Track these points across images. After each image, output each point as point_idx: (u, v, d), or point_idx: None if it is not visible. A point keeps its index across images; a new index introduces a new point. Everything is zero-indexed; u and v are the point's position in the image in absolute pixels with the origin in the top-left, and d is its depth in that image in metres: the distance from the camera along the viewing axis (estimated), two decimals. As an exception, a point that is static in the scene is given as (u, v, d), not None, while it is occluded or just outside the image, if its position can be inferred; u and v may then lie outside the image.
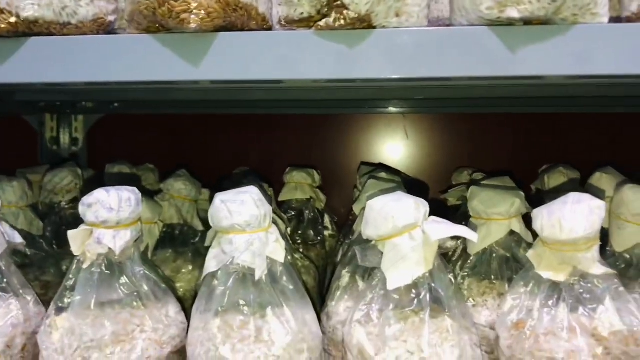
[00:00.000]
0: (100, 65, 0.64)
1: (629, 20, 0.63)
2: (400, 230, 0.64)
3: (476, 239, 0.63)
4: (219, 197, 0.67)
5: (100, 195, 0.67)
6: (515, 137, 1.38)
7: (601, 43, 0.59)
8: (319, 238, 1.20)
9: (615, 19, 0.67)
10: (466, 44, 0.60)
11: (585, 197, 0.63)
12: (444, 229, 0.63)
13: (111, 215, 0.67)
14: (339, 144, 1.43)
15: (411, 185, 0.90)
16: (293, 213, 1.20)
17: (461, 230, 0.63)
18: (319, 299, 1.02)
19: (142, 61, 0.63)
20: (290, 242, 1.02)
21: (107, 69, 0.64)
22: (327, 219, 1.26)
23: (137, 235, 0.71)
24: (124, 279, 0.70)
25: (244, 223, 0.65)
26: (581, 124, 1.34)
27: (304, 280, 0.99)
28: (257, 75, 0.62)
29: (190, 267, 1.00)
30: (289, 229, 1.12)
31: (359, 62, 0.61)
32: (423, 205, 0.65)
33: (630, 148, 1.32)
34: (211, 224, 0.68)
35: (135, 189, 0.71)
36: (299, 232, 1.18)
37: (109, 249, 0.68)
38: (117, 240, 0.68)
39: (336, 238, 1.24)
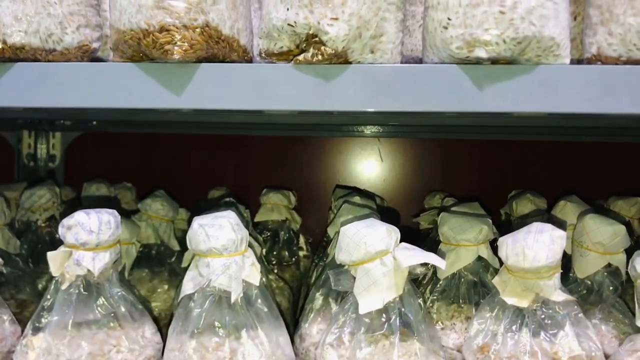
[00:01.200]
0: (84, 91, 0.66)
1: (589, 61, 0.67)
2: (372, 256, 0.66)
3: (444, 267, 0.65)
4: (197, 220, 0.69)
5: (80, 217, 0.69)
6: (486, 163, 1.42)
7: (563, 82, 0.63)
8: (293, 259, 1.22)
9: (577, 61, 0.72)
10: (437, 81, 0.63)
11: (548, 227, 0.67)
12: (414, 256, 0.66)
13: (91, 238, 0.68)
14: (315, 166, 1.46)
15: (383, 210, 0.93)
16: (269, 234, 1.22)
17: (430, 258, 0.66)
18: (293, 320, 1.03)
19: (125, 89, 0.65)
20: (265, 263, 1.04)
21: (91, 95, 0.66)
22: (302, 240, 1.28)
23: (116, 257, 0.72)
24: (101, 300, 0.72)
25: (221, 247, 0.67)
26: (548, 151, 1.39)
27: (277, 301, 1.01)
28: (238, 105, 0.65)
29: (166, 287, 1.01)
30: (264, 250, 1.14)
31: (336, 95, 0.64)
32: (394, 232, 0.68)
33: (595, 174, 1.37)
34: (189, 247, 0.70)
35: (114, 211, 0.72)
36: (274, 252, 1.20)
37: (88, 270, 0.69)
38: (96, 262, 0.69)
39: (310, 259, 1.26)
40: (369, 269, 0.67)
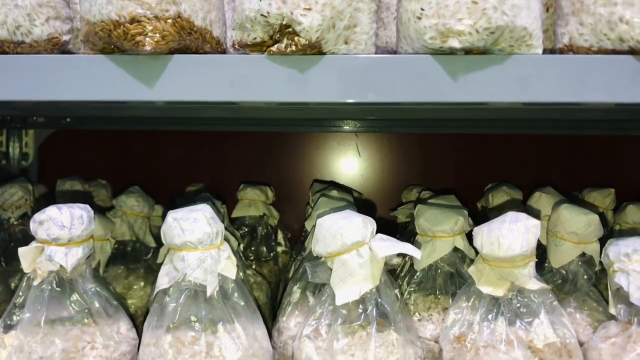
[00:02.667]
0: (54, 84, 0.65)
1: (561, 51, 0.68)
2: (349, 247, 0.66)
3: (420, 256, 0.66)
4: (172, 214, 0.68)
5: (52, 212, 0.68)
6: (462, 157, 1.43)
7: (536, 72, 0.63)
8: (271, 254, 1.21)
9: (550, 51, 0.72)
10: (411, 71, 0.63)
11: (522, 217, 0.67)
12: (390, 246, 0.66)
13: (63, 233, 0.67)
14: (292, 162, 1.45)
15: (360, 203, 0.93)
16: (246, 229, 1.21)
17: (406, 248, 0.66)
18: (271, 315, 1.03)
19: (96, 81, 0.64)
20: (243, 258, 1.04)
21: (61, 88, 0.65)
22: (280, 235, 1.28)
23: (89, 253, 0.71)
24: (74, 296, 0.71)
25: (196, 240, 0.67)
26: (524, 145, 1.40)
27: (255, 296, 1.01)
28: (211, 97, 0.64)
29: (142, 284, 1.00)
30: (241, 246, 1.13)
31: (310, 86, 0.63)
32: (370, 224, 0.68)
33: (570, 167, 1.38)
34: (163, 241, 0.69)
35: (87, 206, 0.71)
36: (252, 248, 1.20)
37: (60, 266, 0.68)
38: (69, 258, 0.68)
39: (289, 254, 1.26)
40: (345, 260, 0.67)
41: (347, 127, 1.40)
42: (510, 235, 0.65)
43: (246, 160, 1.44)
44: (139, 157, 1.44)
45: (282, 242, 1.28)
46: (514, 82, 0.63)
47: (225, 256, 0.70)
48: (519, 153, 1.41)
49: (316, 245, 0.69)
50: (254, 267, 1.13)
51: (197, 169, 1.44)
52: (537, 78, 0.63)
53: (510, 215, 0.67)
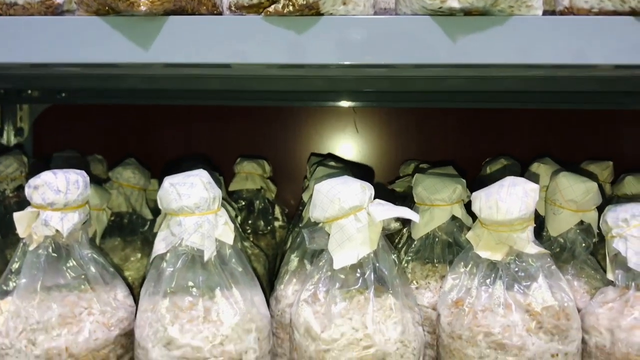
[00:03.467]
0: (48, 46, 0.64)
1: (562, 13, 0.67)
2: (347, 211, 0.66)
3: (417, 219, 0.65)
4: (168, 179, 0.68)
5: (47, 177, 0.67)
6: (461, 132, 1.42)
7: (536, 33, 0.62)
8: (269, 228, 1.21)
9: (550, 13, 0.71)
10: (410, 33, 0.62)
11: (521, 181, 0.67)
12: (387, 210, 0.66)
13: (58, 197, 0.67)
14: (290, 137, 1.45)
15: (358, 170, 0.92)
16: (243, 203, 1.21)
17: (404, 212, 0.65)
18: (269, 287, 1.03)
19: (91, 43, 0.63)
20: (240, 230, 1.03)
21: (55, 50, 0.64)
22: (277, 210, 1.27)
23: (85, 218, 0.70)
24: (71, 262, 0.70)
25: (193, 205, 0.66)
26: (523, 119, 1.39)
27: (253, 267, 1.01)
28: (206, 58, 0.63)
29: (139, 255, 1.00)
30: (239, 219, 1.13)
31: (307, 48, 0.62)
32: (368, 188, 0.67)
33: (570, 142, 1.38)
34: (160, 207, 0.68)
35: (83, 172, 0.70)
36: (250, 221, 1.20)
37: (56, 231, 0.67)
38: (65, 223, 0.67)
39: (286, 229, 1.26)
40: (343, 225, 0.66)
41: (345, 103, 1.39)
42: (509, 198, 0.65)
43: (243, 136, 1.43)
44: (135, 132, 1.44)
45: (280, 217, 1.28)
46: (514, 44, 0.62)
47: (223, 221, 0.69)
48: (517, 128, 1.40)
49: (314, 211, 0.68)
50: (251, 239, 1.13)
51: (194, 143, 1.43)
52: (538, 39, 0.62)
53: (509, 180, 0.67)
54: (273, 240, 1.21)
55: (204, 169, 0.71)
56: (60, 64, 0.66)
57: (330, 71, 0.86)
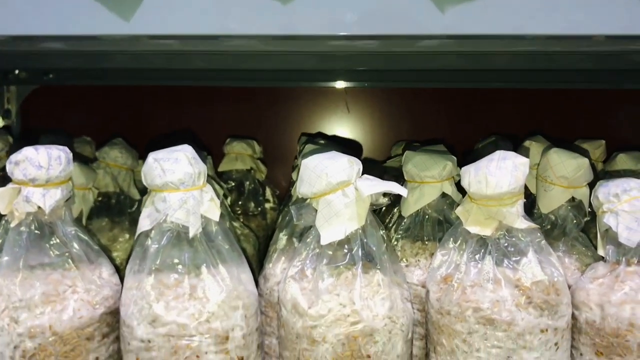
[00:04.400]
0: (29, 18, 0.62)
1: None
2: (334, 187, 0.65)
3: (405, 194, 0.64)
4: (152, 155, 0.67)
5: (28, 152, 0.65)
6: (452, 112, 1.41)
7: (528, 4, 0.61)
8: (259, 209, 1.20)
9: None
10: (400, 3, 0.61)
11: (510, 155, 0.66)
12: (375, 185, 0.65)
13: (40, 173, 0.65)
14: (281, 118, 1.43)
15: (346, 146, 0.91)
16: (233, 184, 1.19)
17: (392, 186, 0.64)
18: (259, 268, 1.02)
19: (71, 15, 0.62)
20: (229, 209, 1.02)
21: (36, 22, 0.62)
22: (268, 191, 1.26)
23: (68, 195, 0.69)
24: (54, 240, 0.69)
25: (178, 181, 0.65)
26: (515, 99, 1.38)
27: (243, 247, 1.00)
28: (192, 30, 0.61)
29: (127, 236, 0.99)
30: (229, 199, 1.12)
31: (296, 17, 0.61)
32: (356, 163, 0.66)
33: (562, 122, 1.37)
34: (144, 183, 0.67)
35: (65, 147, 0.69)
36: (240, 202, 1.18)
37: (38, 207, 0.66)
38: (47, 199, 0.66)
39: (277, 210, 1.25)
40: (330, 201, 0.65)
41: (336, 83, 1.38)
42: (499, 172, 0.64)
43: (233, 116, 1.41)
44: (124, 113, 1.42)
45: (270, 199, 1.27)
46: (505, 15, 0.61)
47: (208, 198, 0.68)
48: (510, 108, 1.39)
49: (301, 186, 0.67)
50: (241, 220, 1.12)
51: (183, 125, 1.42)
52: (529, 10, 0.61)
53: (499, 154, 0.66)
54: (264, 222, 1.20)
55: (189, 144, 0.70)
56: (41, 36, 0.64)
57: (320, 46, 0.84)
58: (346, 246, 0.67)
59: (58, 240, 0.69)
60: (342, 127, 1.44)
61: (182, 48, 0.87)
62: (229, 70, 1.23)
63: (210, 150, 1.24)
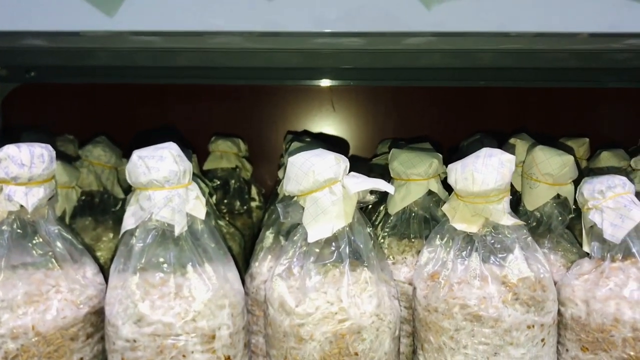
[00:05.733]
0: (7, 13, 0.61)
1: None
2: (321, 184, 0.64)
3: (392, 191, 0.64)
4: (137, 152, 0.66)
5: (10, 150, 0.64)
6: (439, 110, 1.41)
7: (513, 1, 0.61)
8: (245, 208, 1.19)
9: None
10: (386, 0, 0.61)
11: (496, 152, 0.66)
12: (362, 183, 0.64)
13: (22, 171, 0.64)
14: (266, 117, 1.42)
15: (333, 143, 0.91)
16: (219, 182, 1.19)
17: (378, 184, 0.64)
18: (245, 267, 1.01)
19: (52, 10, 0.61)
20: (214, 208, 1.02)
21: (15, 17, 0.61)
22: (254, 190, 1.26)
23: (51, 194, 0.68)
24: (37, 239, 0.68)
25: (163, 179, 0.64)
26: (501, 98, 1.39)
27: (229, 246, 0.99)
28: (174, 26, 0.61)
29: (111, 235, 0.98)
30: (214, 198, 1.11)
31: (281, 15, 0.61)
32: (343, 161, 0.66)
33: (546, 120, 1.38)
34: (129, 181, 0.66)
35: (48, 145, 0.68)
36: (225, 201, 1.18)
37: (21, 206, 0.65)
38: (29, 198, 0.65)
39: (263, 209, 1.24)
40: (317, 198, 0.65)
41: (322, 81, 1.37)
42: (485, 169, 0.64)
43: (218, 115, 1.40)
44: (108, 111, 1.40)
45: (256, 197, 1.26)
46: (490, 12, 0.61)
47: (194, 196, 0.67)
48: (495, 106, 1.40)
49: (288, 184, 0.67)
50: (227, 219, 1.11)
51: (167, 123, 1.40)
52: (514, 7, 0.61)
53: (485, 151, 0.66)
54: (249, 220, 1.20)
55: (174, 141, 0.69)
56: (22, 32, 0.63)
57: (305, 44, 0.84)
58: (333, 244, 0.66)
59: (41, 240, 0.68)
60: (328, 125, 1.43)
61: (166, 45, 0.87)
62: (214, 68, 1.22)
63: (195, 148, 1.23)
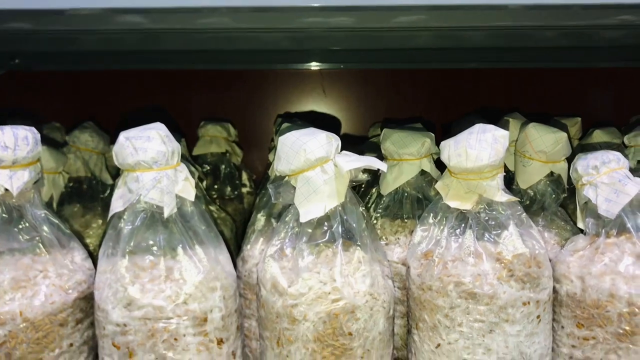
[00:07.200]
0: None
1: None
2: (313, 163, 0.63)
3: (385, 168, 0.63)
4: (124, 134, 0.64)
5: (-7, 133, 0.63)
6: (430, 93, 1.40)
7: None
8: (236, 193, 1.18)
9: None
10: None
11: (490, 127, 0.65)
12: (354, 161, 0.63)
13: (6, 154, 0.62)
14: (256, 101, 1.41)
15: (325, 122, 0.90)
16: (208, 168, 1.17)
17: (371, 161, 0.63)
18: (236, 252, 1.00)
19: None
20: (205, 192, 1.00)
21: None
22: (245, 176, 1.25)
23: (37, 177, 0.67)
24: (23, 223, 0.67)
25: (151, 160, 0.63)
26: (494, 78, 1.38)
27: (220, 230, 0.98)
28: (165, 2, 0.60)
29: (100, 222, 0.97)
30: (204, 183, 1.10)
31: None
32: (335, 139, 0.65)
33: (538, 100, 1.37)
34: (116, 163, 0.65)
35: (33, 128, 0.66)
36: (216, 186, 1.16)
37: (5, 190, 0.63)
38: (14, 181, 0.63)
39: (254, 195, 1.23)
40: (309, 177, 0.64)
41: (312, 64, 1.36)
42: (478, 145, 0.63)
43: (206, 101, 1.39)
44: (94, 98, 1.38)
45: (247, 183, 1.25)
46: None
47: (183, 177, 0.66)
48: (487, 88, 1.39)
49: (279, 164, 0.65)
50: (218, 204, 1.10)
51: (157, 116, 1.38)
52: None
53: (478, 127, 0.65)
54: (241, 206, 1.19)
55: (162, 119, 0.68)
56: (4, 10, 0.62)
57: (294, 22, 0.82)
58: (326, 223, 0.65)
59: (27, 224, 0.67)
60: (319, 110, 1.42)
61: (152, 26, 0.85)
62: (202, 51, 1.20)
63: (184, 135, 1.22)
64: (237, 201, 1.18)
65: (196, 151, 1.17)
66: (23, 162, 0.64)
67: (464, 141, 0.64)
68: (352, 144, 1.21)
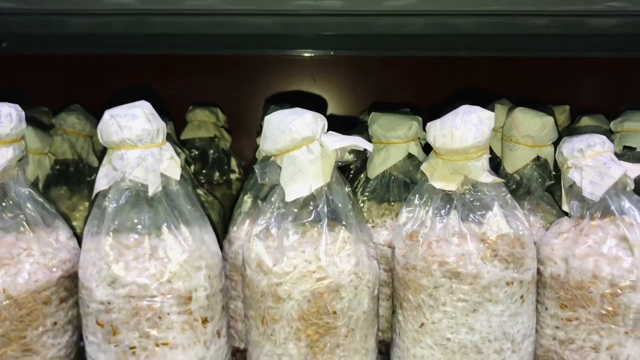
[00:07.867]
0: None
1: None
2: (298, 142, 0.63)
3: (371, 148, 0.63)
4: (109, 112, 0.64)
5: (-24, 109, 0.62)
6: (420, 80, 1.40)
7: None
8: (224, 178, 1.18)
9: None
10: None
11: (476, 108, 0.65)
12: (340, 140, 0.63)
13: (-11, 131, 0.62)
14: (246, 88, 1.40)
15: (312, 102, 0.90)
16: (197, 152, 1.17)
17: (356, 141, 0.63)
18: (223, 236, 1.00)
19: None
20: (193, 177, 1.00)
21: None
22: (234, 162, 1.24)
23: (21, 155, 0.66)
24: (6, 201, 0.66)
25: (135, 138, 0.63)
26: (484, 66, 1.38)
27: (207, 214, 0.98)
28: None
29: (87, 204, 0.96)
30: (192, 167, 1.10)
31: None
32: (321, 119, 0.65)
33: (527, 89, 1.37)
34: (100, 141, 0.65)
35: (17, 105, 0.66)
36: (204, 171, 1.16)
37: (-12, 167, 0.63)
38: (-3, 158, 0.63)
39: (243, 181, 1.23)
40: (295, 157, 0.64)
41: (302, 51, 1.35)
42: (464, 126, 0.63)
43: (195, 86, 1.38)
44: (82, 83, 1.37)
45: (236, 169, 1.25)
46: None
47: (168, 156, 0.66)
48: (476, 75, 1.39)
49: (264, 143, 0.65)
50: (206, 189, 1.10)
51: (144, 95, 1.37)
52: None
53: (464, 108, 0.65)
54: (229, 191, 1.18)
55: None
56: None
57: (285, 5, 0.82)
58: (311, 203, 0.65)
59: (11, 202, 0.67)
60: (310, 96, 1.42)
61: (139, 6, 0.84)
62: (191, 35, 1.20)
63: (173, 121, 1.21)
64: (225, 187, 1.18)
65: (184, 135, 1.16)
66: (6, 140, 0.64)
67: (450, 122, 0.64)
68: (342, 126, 1.22)
